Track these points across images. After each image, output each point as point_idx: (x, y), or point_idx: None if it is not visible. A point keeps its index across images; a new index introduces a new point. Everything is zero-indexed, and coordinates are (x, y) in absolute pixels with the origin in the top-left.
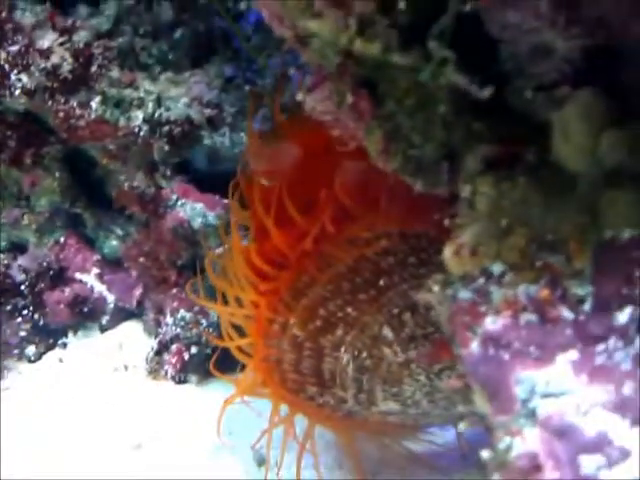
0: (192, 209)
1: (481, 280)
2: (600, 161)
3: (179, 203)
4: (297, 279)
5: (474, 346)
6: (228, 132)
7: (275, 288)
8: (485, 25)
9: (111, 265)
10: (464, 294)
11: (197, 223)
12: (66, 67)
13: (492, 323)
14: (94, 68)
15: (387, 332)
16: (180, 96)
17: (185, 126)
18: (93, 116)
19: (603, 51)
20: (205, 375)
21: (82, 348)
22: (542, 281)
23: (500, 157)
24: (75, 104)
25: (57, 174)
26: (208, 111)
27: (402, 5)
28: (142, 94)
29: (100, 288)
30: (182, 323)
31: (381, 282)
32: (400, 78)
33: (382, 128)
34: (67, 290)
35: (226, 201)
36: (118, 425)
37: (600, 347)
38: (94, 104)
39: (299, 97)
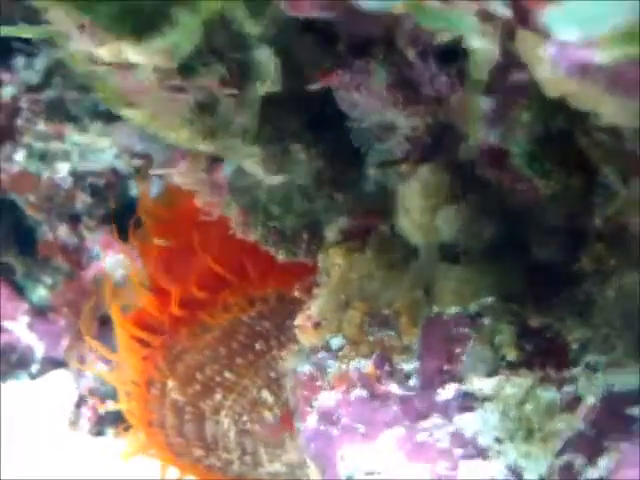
0: (113, 260)
1: (321, 354)
2: (436, 236)
3: (101, 254)
4: (172, 344)
5: (310, 421)
6: (157, 180)
7: (152, 353)
8: (337, 103)
9: (40, 314)
10: (305, 367)
11: (118, 274)
12: None
13: (326, 398)
14: (20, 122)
15: (266, 395)
16: (108, 147)
17: (110, 177)
18: (17, 169)
19: (445, 128)
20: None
21: (9, 396)
22: (373, 356)
23: (356, 228)
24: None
25: None
26: (136, 161)
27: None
28: (68, 146)
29: (30, 337)
30: (100, 378)
31: (258, 346)
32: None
33: (239, 202)
34: None
35: None
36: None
37: (422, 424)
38: (19, 157)
39: (157, 172)
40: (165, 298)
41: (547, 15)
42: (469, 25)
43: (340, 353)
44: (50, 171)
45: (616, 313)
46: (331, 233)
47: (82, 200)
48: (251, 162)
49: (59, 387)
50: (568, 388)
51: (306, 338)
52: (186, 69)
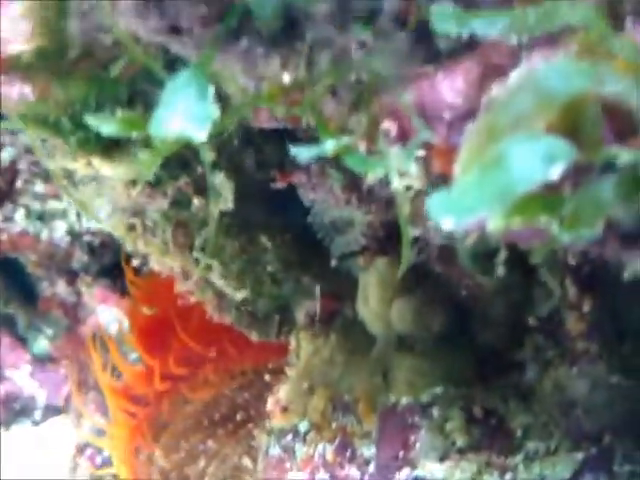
0: (109, 314)
1: (290, 436)
2: (391, 327)
3: (98, 308)
4: (157, 415)
5: None
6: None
7: (139, 424)
8: (300, 198)
9: (41, 363)
10: (275, 450)
11: (112, 328)
12: None
13: None
14: (19, 183)
15: (247, 462)
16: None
17: (105, 235)
18: (17, 229)
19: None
20: None
21: (12, 442)
22: (336, 441)
23: (322, 311)
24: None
25: None
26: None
27: (196, 201)
28: (66, 205)
29: (32, 385)
30: (96, 428)
31: (238, 416)
32: (226, 246)
33: (212, 289)
34: (1, 388)
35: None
36: None
37: None
38: (18, 217)
39: (138, 247)
40: (150, 371)
41: (429, 203)
42: (390, 167)
43: (307, 437)
44: (48, 230)
45: (552, 403)
46: (300, 315)
47: (79, 258)
48: (216, 275)
49: (60, 433)
50: (508, 476)
51: (276, 421)
52: (154, 180)
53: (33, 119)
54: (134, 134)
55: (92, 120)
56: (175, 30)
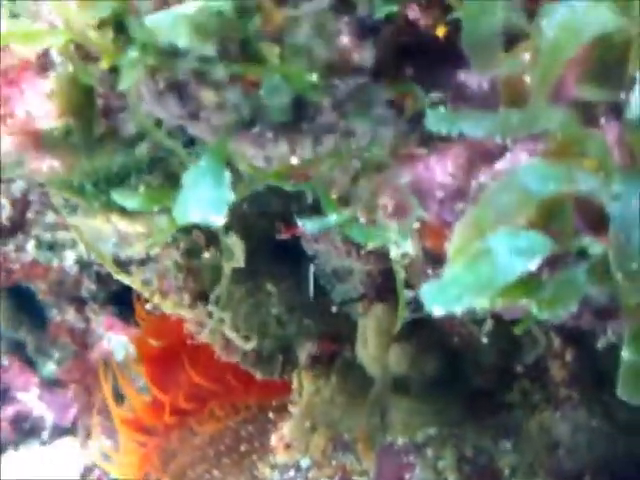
0: (116, 342)
1: (292, 472)
2: (388, 370)
3: (106, 335)
4: (166, 446)
5: None
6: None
7: (148, 453)
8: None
9: (50, 386)
10: None
11: (119, 355)
12: (4, 215)
13: None
14: (30, 214)
15: None
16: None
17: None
18: (28, 259)
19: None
20: None
21: (21, 462)
22: (336, 477)
23: (323, 353)
24: (12, 248)
25: (1, 303)
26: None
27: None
28: (75, 235)
29: (40, 407)
30: (103, 452)
31: (242, 448)
32: (234, 291)
33: (221, 333)
34: (9, 409)
35: None
36: None
37: None
38: (29, 247)
39: (154, 301)
40: (159, 404)
41: (423, 292)
42: (387, 238)
43: (309, 473)
44: (58, 259)
45: (538, 443)
46: (301, 356)
47: (87, 286)
48: (227, 327)
49: (67, 453)
50: None
51: (279, 456)
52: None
53: (58, 182)
54: (155, 208)
55: (117, 196)
56: (193, 116)
